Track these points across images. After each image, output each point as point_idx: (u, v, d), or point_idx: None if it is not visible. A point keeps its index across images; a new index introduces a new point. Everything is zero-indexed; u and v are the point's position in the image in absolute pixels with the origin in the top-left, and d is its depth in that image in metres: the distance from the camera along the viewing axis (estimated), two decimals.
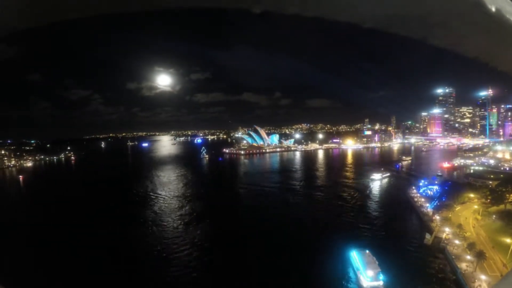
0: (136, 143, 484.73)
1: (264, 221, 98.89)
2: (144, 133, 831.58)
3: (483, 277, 59.32)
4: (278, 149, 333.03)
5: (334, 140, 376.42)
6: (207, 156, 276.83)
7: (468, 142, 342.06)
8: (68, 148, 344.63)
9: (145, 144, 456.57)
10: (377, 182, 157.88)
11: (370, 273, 62.74)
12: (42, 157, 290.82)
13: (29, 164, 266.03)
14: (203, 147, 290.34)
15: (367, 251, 69.76)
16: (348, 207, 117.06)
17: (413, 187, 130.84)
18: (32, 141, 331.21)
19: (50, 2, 3.01)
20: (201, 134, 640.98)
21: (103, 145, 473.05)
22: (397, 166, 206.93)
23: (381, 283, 61.88)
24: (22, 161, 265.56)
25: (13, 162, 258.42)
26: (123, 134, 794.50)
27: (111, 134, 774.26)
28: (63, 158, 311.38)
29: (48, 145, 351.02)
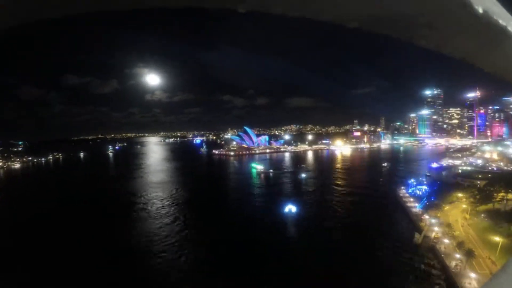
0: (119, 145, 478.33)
1: None
2: (133, 134, 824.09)
3: (472, 275, 60.18)
4: (267, 150, 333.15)
5: (324, 141, 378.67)
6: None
7: (456, 142, 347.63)
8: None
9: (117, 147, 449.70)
10: None
11: None
12: (30, 158, 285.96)
13: (17, 165, 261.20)
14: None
15: None
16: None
17: (402, 187, 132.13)
18: (20, 142, 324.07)
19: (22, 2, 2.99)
20: (190, 136, 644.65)
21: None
22: None
23: None
24: (9, 163, 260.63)
25: (0, 164, 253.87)
26: (112, 135, 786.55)
27: (100, 135, 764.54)
28: (51, 160, 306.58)
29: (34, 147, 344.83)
